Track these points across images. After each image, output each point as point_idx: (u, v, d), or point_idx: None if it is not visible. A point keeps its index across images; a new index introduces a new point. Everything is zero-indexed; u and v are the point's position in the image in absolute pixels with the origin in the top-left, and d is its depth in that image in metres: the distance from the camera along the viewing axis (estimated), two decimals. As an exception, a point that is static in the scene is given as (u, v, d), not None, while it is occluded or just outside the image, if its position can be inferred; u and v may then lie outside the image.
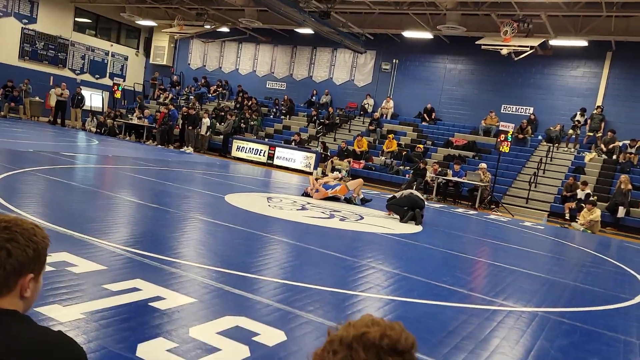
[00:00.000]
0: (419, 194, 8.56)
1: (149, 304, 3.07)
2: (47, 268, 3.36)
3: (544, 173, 15.76)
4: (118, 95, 20.33)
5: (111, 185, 7.79)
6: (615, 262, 7.70)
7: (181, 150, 17.93)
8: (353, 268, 4.70)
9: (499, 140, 13.54)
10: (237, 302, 3.32)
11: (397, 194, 8.59)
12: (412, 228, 7.73)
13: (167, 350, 2.50)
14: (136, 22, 25.34)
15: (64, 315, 2.72)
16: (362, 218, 7.94)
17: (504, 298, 4.48)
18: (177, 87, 25.58)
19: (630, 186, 13.36)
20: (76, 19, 24.84)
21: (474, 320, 3.72)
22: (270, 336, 2.84)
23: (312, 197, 9.50)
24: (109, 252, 4.03)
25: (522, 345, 3.37)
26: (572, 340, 3.65)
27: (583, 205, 12.77)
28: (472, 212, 12.44)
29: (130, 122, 19.78)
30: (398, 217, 8.25)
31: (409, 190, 8.66)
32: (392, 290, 4.21)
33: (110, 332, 2.61)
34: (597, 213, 12.09)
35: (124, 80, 26.03)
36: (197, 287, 3.53)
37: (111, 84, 22.73)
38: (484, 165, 13.91)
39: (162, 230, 5.07)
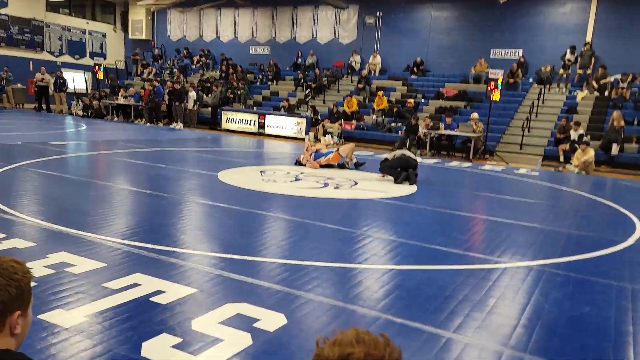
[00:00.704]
0: (410, 154, 8.57)
1: (150, 299, 3.12)
2: (48, 271, 3.43)
3: (536, 117, 15.73)
4: (100, 75, 19.95)
5: (104, 173, 7.77)
6: (609, 202, 7.80)
7: (170, 126, 17.78)
8: (350, 239, 4.76)
9: (489, 88, 13.42)
10: (236, 288, 3.39)
11: (389, 155, 8.59)
12: (406, 189, 7.78)
13: (172, 347, 2.57)
14: (110, -4, 24.61)
15: (67, 320, 2.78)
16: (356, 184, 7.98)
17: (498, 255, 4.57)
18: (159, 61, 25.11)
19: (622, 122, 13.38)
20: (48, -2, 24.09)
21: (470, 282, 3.80)
22: (271, 321, 2.91)
23: (304, 165, 9.51)
24: (107, 247, 4.06)
25: (517, 302, 3.47)
26: (566, 292, 3.75)
27: (577, 146, 12.82)
28: (466, 164, 12.48)
29: (116, 102, 19.50)
30: (392, 178, 8.29)
31: (400, 151, 8.66)
32: (389, 258, 4.28)
33: (114, 334, 2.68)
34: (590, 153, 12.15)
35: (105, 59, 25.52)
36: (197, 276, 3.58)
37: (92, 64, 22.25)
38: (475, 115, 13.86)
39: (158, 218, 5.10)
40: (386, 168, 8.35)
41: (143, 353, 2.49)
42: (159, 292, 3.22)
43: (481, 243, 5.00)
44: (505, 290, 3.71)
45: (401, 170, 8.14)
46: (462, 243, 4.90)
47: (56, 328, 2.69)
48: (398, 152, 8.56)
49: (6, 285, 1.26)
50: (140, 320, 2.85)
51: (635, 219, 6.47)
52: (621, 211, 7.07)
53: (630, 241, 5.38)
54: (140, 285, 3.32)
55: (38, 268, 3.48)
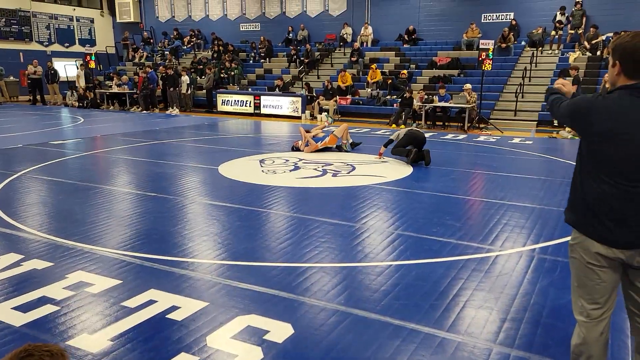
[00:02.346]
0: (417, 129, 8.74)
1: (167, 316, 3.38)
2: (69, 293, 3.69)
3: (529, 81, 15.80)
4: (92, 65, 19.88)
5: (107, 176, 7.97)
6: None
7: (167, 113, 17.86)
8: (349, 235, 5.01)
9: (480, 59, 13.45)
10: (245, 298, 3.64)
11: (393, 136, 8.74)
12: (403, 171, 8.00)
13: (191, 366, 2.84)
14: (94, -19, 24.22)
15: (93, 345, 3.03)
16: (354, 169, 8.18)
17: (490, 242, 4.82)
18: (150, 43, 24.91)
19: (614, 83, 13.43)
20: (32, -13, 23.74)
21: (463, 275, 4.06)
22: (279, 331, 3.17)
23: (302, 150, 9.69)
24: (120, 262, 4.31)
25: (506, 294, 3.72)
26: (552, 279, 4.01)
27: (570, 110, 12.93)
28: (461, 135, 12.64)
29: (110, 91, 19.50)
30: (387, 160, 8.49)
31: (405, 129, 8.82)
32: (386, 254, 4.53)
33: (137, 356, 2.93)
34: (583, 118, 12.27)
35: (95, 45, 25.35)
36: (207, 286, 3.83)
37: (82, 51, 22.12)
38: (468, 85, 13.93)
39: (165, 225, 5.33)
40: (398, 149, 8.48)
41: (166, 374, 2.76)
42: (174, 308, 3.47)
43: (474, 230, 5.24)
44: (496, 281, 3.96)
45: (413, 149, 8.29)
46: (456, 231, 5.14)
47: (85, 354, 2.95)
48: (402, 131, 8.69)
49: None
50: (160, 339, 3.11)
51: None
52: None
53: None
54: (156, 302, 3.58)
55: (59, 291, 3.73)
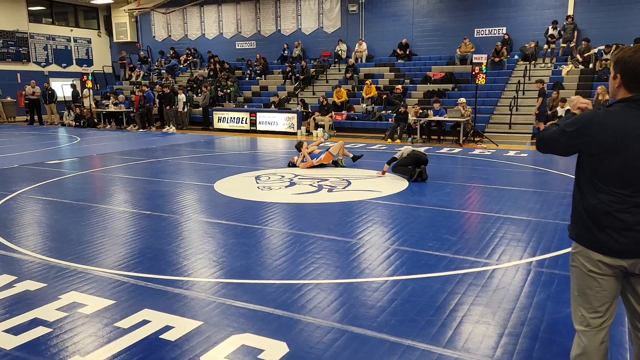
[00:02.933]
0: (420, 150, 8.82)
1: (160, 336, 3.34)
2: (61, 314, 3.65)
3: (523, 94, 15.91)
4: (89, 85, 19.96)
5: (103, 195, 7.95)
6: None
7: (164, 131, 17.90)
8: (345, 250, 4.98)
9: (474, 73, 13.55)
10: (240, 316, 3.60)
11: (397, 155, 8.78)
12: (399, 186, 8.00)
13: (184, 387, 2.79)
14: (92, 1, 24.45)
15: (85, 367, 2.99)
16: (349, 184, 8.18)
17: (487, 256, 4.80)
18: (147, 62, 25.07)
19: (607, 96, 13.54)
20: (29, 8, 23.96)
21: (460, 289, 4.03)
22: (274, 350, 3.14)
23: (298, 166, 9.70)
24: (113, 281, 4.27)
25: (503, 309, 3.70)
26: (550, 293, 3.99)
27: (564, 123, 13.00)
28: (457, 149, 12.68)
29: (107, 109, 19.56)
30: (384, 175, 8.50)
31: (409, 148, 8.87)
32: (382, 269, 4.51)
33: (130, 377, 2.90)
34: (577, 130, 12.34)
35: (92, 64, 25.50)
36: (201, 305, 3.80)
37: (79, 71, 22.24)
38: (462, 99, 14.02)
39: (160, 243, 5.30)
40: (400, 168, 8.55)
41: (158, 396, 2.72)
42: (167, 328, 3.43)
43: (470, 244, 5.22)
44: (493, 295, 3.94)
45: (414, 167, 8.36)
46: (452, 245, 5.12)
47: (76, 376, 2.91)
48: (406, 150, 8.75)
49: None
50: (153, 360, 3.07)
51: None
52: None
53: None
54: (149, 322, 3.53)
55: (52, 312, 3.69)
